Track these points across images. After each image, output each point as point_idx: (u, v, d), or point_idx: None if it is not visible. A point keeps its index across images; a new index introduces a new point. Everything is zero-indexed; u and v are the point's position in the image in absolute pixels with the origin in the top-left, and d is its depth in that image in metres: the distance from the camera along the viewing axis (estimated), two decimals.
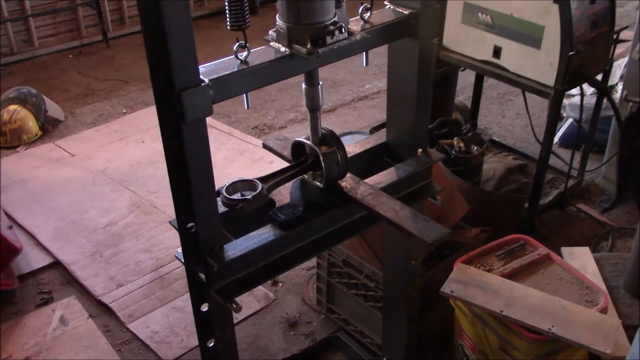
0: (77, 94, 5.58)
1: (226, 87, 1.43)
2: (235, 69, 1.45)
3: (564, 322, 2.19)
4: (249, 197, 1.59)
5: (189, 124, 1.37)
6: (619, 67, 4.18)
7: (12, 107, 4.79)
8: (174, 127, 1.38)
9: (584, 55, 3.01)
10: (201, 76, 1.37)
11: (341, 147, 1.73)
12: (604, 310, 2.29)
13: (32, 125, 4.81)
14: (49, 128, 4.95)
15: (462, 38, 3.38)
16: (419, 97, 1.82)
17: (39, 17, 6.20)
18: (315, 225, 1.74)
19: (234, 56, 1.47)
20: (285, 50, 1.52)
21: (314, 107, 1.71)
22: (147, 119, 5.02)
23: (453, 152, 3.33)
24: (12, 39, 6.08)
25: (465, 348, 2.56)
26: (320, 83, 1.68)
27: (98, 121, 5.12)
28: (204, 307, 1.65)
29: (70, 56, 6.33)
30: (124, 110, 5.28)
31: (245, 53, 1.48)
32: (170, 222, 1.64)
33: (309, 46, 1.49)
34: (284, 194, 1.77)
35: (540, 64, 3.06)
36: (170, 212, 3.77)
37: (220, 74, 1.41)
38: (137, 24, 6.32)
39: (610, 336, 2.15)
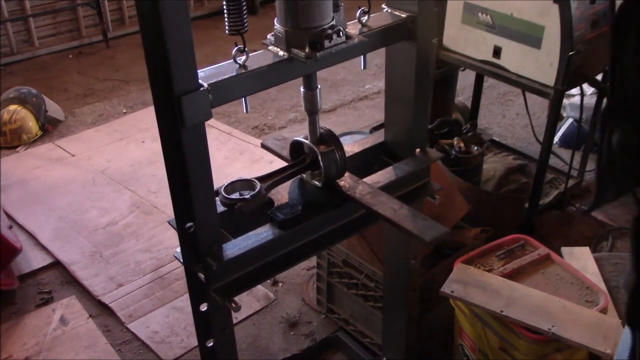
0: (77, 94, 5.58)
1: (225, 92, 1.43)
2: (234, 73, 1.45)
3: (564, 322, 2.19)
4: (248, 196, 1.59)
5: (189, 129, 1.37)
6: None
7: (12, 107, 4.79)
8: (173, 131, 1.38)
9: (584, 55, 3.00)
10: (200, 81, 1.37)
11: (339, 146, 1.72)
12: (604, 310, 2.29)
13: (32, 125, 4.81)
14: (49, 128, 4.95)
15: (462, 38, 3.38)
16: (417, 98, 1.82)
17: (39, 17, 6.20)
18: (313, 224, 1.74)
19: (232, 60, 1.48)
20: (283, 54, 1.52)
21: (312, 111, 1.71)
22: (147, 119, 5.02)
23: (453, 152, 3.33)
24: (12, 39, 6.08)
25: (465, 348, 2.57)
26: (319, 87, 1.68)
27: (98, 121, 5.12)
28: (203, 307, 1.65)
29: (70, 56, 6.33)
30: (124, 110, 5.28)
31: (243, 57, 1.48)
32: (169, 222, 1.64)
33: (307, 50, 1.49)
34: (282, 194, 1.77)
35: (540, 63, 3.06)
36: (170, 212, 3.75)
37: (219, 78, 1.41)
38: (137, 24, 6.32)
39: (610, 336, 2.14)
